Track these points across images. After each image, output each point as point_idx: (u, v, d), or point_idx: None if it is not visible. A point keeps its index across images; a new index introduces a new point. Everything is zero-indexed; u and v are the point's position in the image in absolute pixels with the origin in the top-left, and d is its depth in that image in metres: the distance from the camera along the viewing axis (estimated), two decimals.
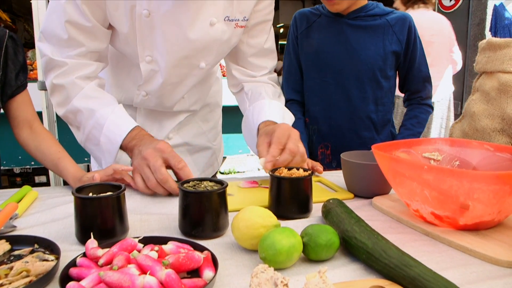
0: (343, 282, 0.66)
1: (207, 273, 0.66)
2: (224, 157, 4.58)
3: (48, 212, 1.00)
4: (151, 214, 0.99)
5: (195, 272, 0.68)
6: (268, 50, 1.42)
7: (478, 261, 0.77)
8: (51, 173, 2.89)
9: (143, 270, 0.63)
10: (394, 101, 1.76)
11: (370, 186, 1.10)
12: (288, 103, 1.65)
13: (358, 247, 0.73)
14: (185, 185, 0.87)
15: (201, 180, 0.91)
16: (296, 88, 1.68)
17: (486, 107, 1.36)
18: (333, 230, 0.76)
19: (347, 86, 1.58)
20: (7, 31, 1.28)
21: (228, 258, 0.77)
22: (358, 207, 1.04)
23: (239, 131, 1.44)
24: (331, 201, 0.90)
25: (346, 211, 0.83)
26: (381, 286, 0.65)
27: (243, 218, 0.78)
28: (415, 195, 0.88)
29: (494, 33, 5.62)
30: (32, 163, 4.50)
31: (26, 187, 1.15)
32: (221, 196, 0.85)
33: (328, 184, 1.24)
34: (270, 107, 1.31)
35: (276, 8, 10.38)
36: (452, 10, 6.68)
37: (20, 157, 4.45)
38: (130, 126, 1.16)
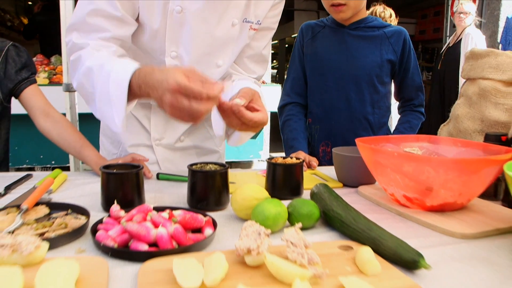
0: (317, 242, 0.81)
1: (208, 231, 0.82)
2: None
3: (76, 189, 1.18)
4: (163, 193, 1.16)
5: (198, 232, 0.84)
6: (263, 57, 1.52)
7: (438, 234, 0.91)
8: (71, 171, 3.05)
9: (156, 225, 0.79)
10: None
11: (357, 176, 1.25)
12: (292, 105, 1.82)
13: (334, 217, 0.88)
14: (193, 166, 1.03)
15: (207, 163, 1.06)
16: (300, 92, 1.84)
17: (468, 110, 1.50)
18: (314, 204, 0.91)
19: (346, 89, 1.74)
20: (11, 42, 1.55)
21: (227, 225, 0.93)
22: (345, 194, 1.19)
23: None
24: (318, 185, 1.05)
25: (329, 192, 0.98)
26: (348, 245, 0.80)
27: (240, 192, 0.93)
28: (390, 180, 1.03)
29: (505, 45, 5.71)
30: (53, 162, 4.72)
31: (57, 170, 1.32)
32: (223, 175, 1.01)
33: (322, 176, 1.39)
34: (253, 84, 1.34)
35: (291, 19, 10.55)
36: None
37: (41, 156, 4.67)
38: (137, 65, 1.04)
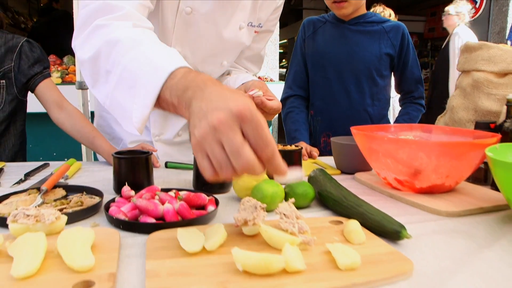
0: (310, 218, 0.89)
1: (210, 208, 0.90)
2: None
3: (90, 176, 1.26)
4: (171, 178, 1.24)
5: (201, 209, 0.91)
6: (261, 58, 1.58)
7: (425, 213, 0.98)
8: None
9: (163, 202, 0.87)
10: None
11: (353, 163, 1.32)
12: (294, 98, 1.91)
13: (327, 196, 0.96)
14: None
15: None
16: (302, 85, 1.92)
17: (463, 101, 1.56)
18: (309, 185, 0.99)
19: (346, 82, 1.82)
20: (25, 38, 1.65)
21: (229, 205, 1.01)
22: (342, 179, 1.27)
23: None
24: (315, 170, 1.13)
25: (324, 175, 1.05)
26: (339, 220, 0.87)
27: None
28: (382, 164, 1.10)
29: None
30: (66, 159, 4.84)
31: (72, 160, 1.41)
32: None
33: (322, 164, 1.47)
34: (254, 78, 1.37)
35: (300, 18, 10.58)
36: (473, 18, 6.80)
37: (54, 154, 4.79)
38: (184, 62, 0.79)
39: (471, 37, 5.01)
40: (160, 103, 0.77)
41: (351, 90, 1.83)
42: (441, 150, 1.00)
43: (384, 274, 0.63)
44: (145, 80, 0.77)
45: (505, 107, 1.25)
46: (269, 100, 1.12)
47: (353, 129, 1.17)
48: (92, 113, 3.15)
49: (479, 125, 1.27)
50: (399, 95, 2.04)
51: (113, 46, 0.86)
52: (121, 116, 0.85)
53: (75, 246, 0.65)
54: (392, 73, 1.94)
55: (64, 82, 4.45)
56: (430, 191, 1.08)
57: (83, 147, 3.22)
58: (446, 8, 4.98)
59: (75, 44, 0.97)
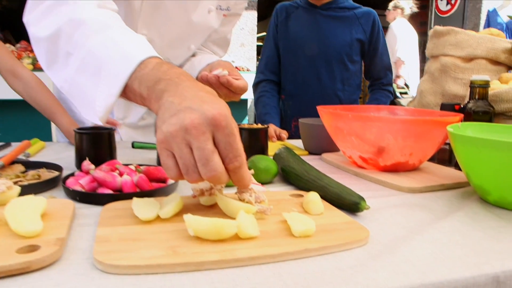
0: (271, 192, 0.88)
1: (170, 181, 0.89)
2: None
3: (54, 155, 1.24)
4: (136, 158, 1.22)
5: (162, 183, 0.90)
6: (227, 41, 1.54)
7: (388, 189, 0.99)
8: None
9: (122, 175, 0.85)
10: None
11: (320, 143, 1.32)
12: (266, 82, 1.90)
13: (290, 172, 0.95)
14: None
15: None
16: (274, 70, 1.92)
17: (431, 86, 1.58)
18: (272, 160, 0.98)
19: (318, 67, 1.82)
20: None
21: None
22: (309, 160, 1.26)
23: None
24: (281, 148, 1.12)
25: (288, 152, 1.05)
26: (299, 194, 0.87)
27: None
28: (347, 142, 1.11)
29: None
30: None
31: (35, 140, 1.38)
32: None
33: (290, 146, 1.47)
34: (219, 59, 1.33)
35: None
36: (448, 14, 6.90)
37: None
38: (154, 52, 0.75)
39: (406, 29, 5.23)
40: (126, 92, 0.73)
41: (322, 74, 1.83)
42: (404, 127, 1.00)
43: (338, 241, 0.63)
44: (112, 67, 0.73)
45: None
46: (235, 79, 1.10)
47: (320, 108, 1.17)
48: None
49: (445, 107, 1.28)
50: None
51: (77, 26, 0.80)
52: (81, 103, 0.81)
53: (24, 213, 0.63)
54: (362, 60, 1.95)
55: (35, 69, 4.37)
56: (394, 169, 1.09)
57: (54, 135, 3.17)
58: (390, 4, 5.28)
59: (29, 18, 0.88)
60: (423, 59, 7.68)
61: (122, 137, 1.52)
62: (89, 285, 0.50)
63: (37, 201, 0.67)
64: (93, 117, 0.77)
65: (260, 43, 1.83)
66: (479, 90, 1.15)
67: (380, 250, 0.63)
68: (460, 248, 0.65)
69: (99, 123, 0.77)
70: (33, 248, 0.56)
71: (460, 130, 0.98)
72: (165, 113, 0.62)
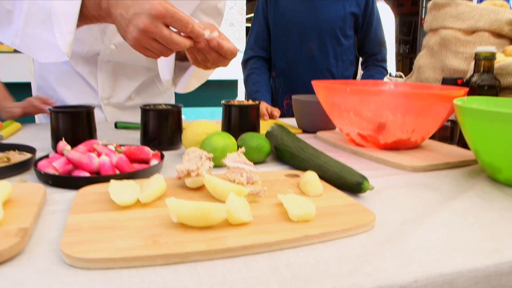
0: (264, 172, 0.81)
1: (154, 162, 0.81)
2: None
3: (30, 137, 1.15)
4: (119, 138, 1.14)
5: (145, 164, 0.82)
6: (219, 12, 1.44)
7: (389, 168, 0.92)
8: None
9: (100, 156, 0.77)
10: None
11: (315, 121, 1.25)
12: (255, 59, 1.81)
13: (284, 150, 0.88)
14: (146, 106, 1.01)
15: (160, 104, 1.04)
16: (264, 46, 1.83)
17: (430, 61, 1.50)
18: (264, 138, 0.90)
19: (309, 42, 1.73)
20: None
21: (177, 161, 0.92)
22: (304, 138, 1.18)
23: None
24: (273, 125, 1.05)
25: (282, 129, 0.97)
26: (296, 174, 0.80)
27: (190, 128, 0.92)
28: (344, 118, 1.03)
29: None
30: None
31: (10, 121, 1.28)
32: (176, 115, 1.00)
33: (283, 124, 1.39)
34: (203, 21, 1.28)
35: None
36: None
37: None
38: None
39: (384, 12, 5.11)
40: (81, 23, 0.86)
41: (314, 50, 1.75)
42: (406, 101, 0.93)
43: (342, 226, 0.55)
44: (61, 8, 0.83)
45: (472, 63, 1.19)
46: (223, 39, 1.01)
47: (315, 82, 1.09)
48: None
49: (446, 81, 1.21)
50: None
51: None
52: (38, 50, 0.90)
53: None
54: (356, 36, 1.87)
55: (16, 50, 4.23)
56: (395, 147, 1.02)
57: (36, 116, 3.07)
58: None
59: None
60: (401, 42, 7.60)
61: (108, 118, 1.43)
62: (52, 283, 0.43)
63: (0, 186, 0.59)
64: (55, 58, 0.88)
65: (249, 24, 1.75)
66: (484, 62, 1.08)
67: (388, 236, 0.56)
68: (475, 232, 0.58)
69: (65, 58, 0.87)
70: None
71: (466, 104, 0.91)
72: (121, 25, 0.81)
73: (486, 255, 0.51)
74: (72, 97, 1.38)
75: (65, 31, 0.84)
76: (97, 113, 1.30)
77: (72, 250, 0.46)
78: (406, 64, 7.75)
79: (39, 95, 1.30)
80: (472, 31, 1.41)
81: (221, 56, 0.95)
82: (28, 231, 0.51)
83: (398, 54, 7.70)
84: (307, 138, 1.20)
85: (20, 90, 1.37)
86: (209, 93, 4.41)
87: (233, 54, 0.96)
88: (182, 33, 0.84)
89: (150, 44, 0.82)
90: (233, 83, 4.79)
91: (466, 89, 1.00)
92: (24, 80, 3.48)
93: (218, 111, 4.61)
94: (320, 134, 1.20)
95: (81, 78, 1.38)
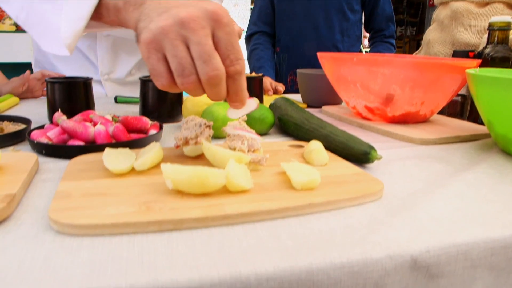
0: (267, 142, 0.77)
1: (152, 132, 0.77)
2: None
3: (27, 110, 1.12)
4: (117, 111, 1.10)
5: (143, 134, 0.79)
6: None
7: (397, 141, 0.88)
8: None
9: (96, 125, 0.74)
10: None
11: (321, 95, 1.21)
12: (259, 34, 1.76)
13: (288, 121, 0.84)
14: (146, 77, 0.97)
15: None
16: (267, 21, 1.78)
17: (440, 35, 1.45)
18: (267, 109, 0.87)
19: (315, 16, 1.68)
20: None
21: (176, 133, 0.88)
22: None
23: None
24: (277, 98, 1.01)
25: (287, 101, 0.94)
26: (300, 144, 0.76)
27: (190, 98, 0.89)
28: (351, 91, 0.99)
29: None
30: None
31: (8, 95, 1.25)
32: None
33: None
34: None
35: None
36: None
37: None
38: None
39: None
40: (98, 10, 0.61)
41: (320, 25, 1.70)
42: (415, 72, 0.89)
43: (348, 194, 0.52)
44: None
45: (485, 36, 1.15)
46: None
47: (320, 54, 1.05)
48: None
49: (457, 54, 1.17)
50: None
51: None
52: (41, 32, 0.70)
53: None
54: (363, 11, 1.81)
55: (18, 30, 4.19)
56: (403, 121, 0.98)
57: None
58: None
59: None
60: (408, 23, 7.45)
61: (108, 93, 1.39)
62: (38, 249, 0.40)
63: None
64: (56, 48, 0.66)
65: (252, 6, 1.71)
66: (498, 33, 1.03)
67: (397, 205, 0.53)
68: (490, 203, 0.55)
69: (65, 53, 0.65)
70: None
71: (481, 73, 0.87)
72: (151, 14, 0.51)
73: (503, 226, 0.48)
74: (71, 72, 1.35)
75: (74, 15, 0.63)
76: (97, 89, 1.29)
77: (59, 216, 0.43)
78: (413, 46, 7.66)
79: (40, 71, 1.27)
80: (485, 3, 1.36)
81: None
82: (15, 198, 0.48)
83: (405, 36, 7.60)
84: (312, 113, 1.16)
85: (21, 70, 1.34)
86: None
87: (238, 35, 0.92)
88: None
89: (175, 47, 0.49)
90: None
91: (479, 61, 0.96)
92: (25, 60, 3.45)
93: None
94: (326, 108, 1.16)
95: (81, 53, 1.35)
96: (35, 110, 1.12)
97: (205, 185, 0.48)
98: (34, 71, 1.39)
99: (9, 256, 0.38)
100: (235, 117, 0.61)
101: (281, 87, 1.44)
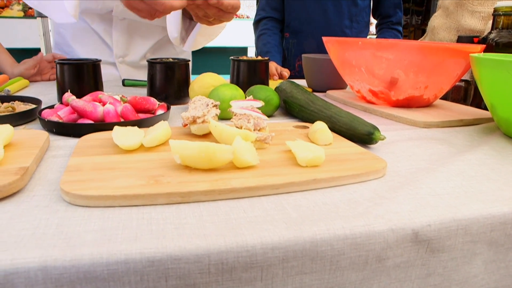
0: (272, 123, 0.78)
1: (159, 112, 0.79)
2: None
3: (37, 92, 1.14)
4: (127, 94, 1.11)
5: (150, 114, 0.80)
6: None
7: (401, 124, 0.89)
8: None
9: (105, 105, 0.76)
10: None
11: (326, 79, 1.21)
12: (267, 20, 1.77)
13: (293, 103, 0.86)
14: (153, 60, 0.99)
15: (168, 58, 1.02)
16: (275, 6, 1.78)
17: (445, 21, 1.45)
18: (273, 90, 0.88)
19: (324, 1, 1.68)
20: None
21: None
22: None
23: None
24: (283, 81, 1.02)
25: (292, 84, 0.95)
26: (305, 125, 0.77)
27: (197, 80, 0.90)
28: (355, 74, 1.00)
29: None
30: None
31: (19, 78, 1.27)
32: (183, 68, 0.97)
33: None
34: None
35: None
36: None
37: None
38: None
39: None
40: None
41: (329, 10, 1.70)
42: (420, 56, 0.89)
43: (352, 171, 0.53)
44: None
45: (489, 23, 1.15)
46: None
47: (326, 38, 1.06)
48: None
49: (462, 39, 1.17)
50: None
51: None
52: (52, 10, 0.96)
53: None
54: None
55: (26, 15, 4.20)
56: (407, 105, 0.99)
57: None
58: None
59: None
60: (413, 12, 7.39)
61: (122, 75, 1.41)
62: (51, 218, 0.41)
63: (1, 129, 0.58)
64: (65, 19, 0.93)
65: None
66: (503, 18, 1.03)
67: (400, 182, 0.54)
68: (491, 181, 0.56)
69: (72, 20, 0.93)
70: None
71: (484, 56, 0.88)
72: None
73: (502, 203, 0.49)
74: (88, 54, 1.38)
75: None
76: (112, 71, 1.31)
77: (71, 188, 0.45)
78: (418, 34, 7.61)
79: (51, 54, 1.30)
80: None
81: (222, 11, 0.92)
82: (28, 170, 0.50)
83: (410, 25, 7.55)
84: None
85: (29, 55, 1.37)
86: (218, 61, 4.37)
87: (234, 8, 0.93)
88: None
89: (138, 5, 0.81)
90: (242, 51, 4.74)
91: (483, 46, 0.96)
92: (33, 46, 3.46)
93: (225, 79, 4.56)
94: (330, 92, 1.17)
95: (97, 36, 1.38)
96: (45, 92, 1.14)
97: (213, 160, 0.50)
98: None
99: (24, 223, 0.40)
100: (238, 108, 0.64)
101: (286, 72, 1.45)
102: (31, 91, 1.17)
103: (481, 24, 1.36)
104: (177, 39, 1.19)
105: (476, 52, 0.91)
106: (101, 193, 0.44)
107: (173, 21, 1.16)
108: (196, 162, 0.50)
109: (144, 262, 0.36)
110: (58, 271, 0.34)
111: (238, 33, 4.40)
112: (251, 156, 0.52)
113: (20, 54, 1.41)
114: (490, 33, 1.06)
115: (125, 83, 1.27)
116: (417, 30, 7.73)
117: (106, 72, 1.29)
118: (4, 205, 0.44)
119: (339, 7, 1.70)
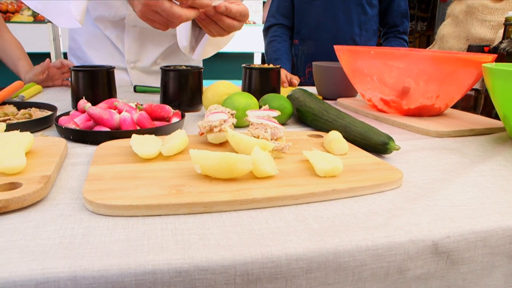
0: (287, 132, 0.79)
1: (174, 119, 0.80)
2: None
3: (51, 98, 1.15)
4: (138, 100, 1.12)
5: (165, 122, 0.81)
6: None
7: (412, 133, 0.89)
8: None
9: (121, 112, 0.76)
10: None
11: (336, 88, 1.22)
12: (277, 27, 1.78)
13: (306, 112, 0.86)
14: (167, 67, 0.99)
15: (181, 65, 1.03)
16: (286, 13, 1.80)
17: (454, 30, 1.46)
18: (286, 99, 0.88)
19: (334, 9, 1.69)
20: None
21: (197, 122, 0.90)
22: None
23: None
24: (295, 89, 1.03)
25: (305, 93, 0.95)
26: (319, 134, 0.78)
27: (211, 88, 0.91)
28: (367, 83, 1.00)
29: None
30: None
31: (32, 83, 1.28)
32: (196, 76, 0.98)
33: None
34: None
35: None
36: None
37: None
38: None
39: None
40: None
41: (338, 17, 1.71)
42: (431, 65, 0.90)
43: (370, 182, 0.54)
44: None
45: (500, 31, 1.15)
46: (232, 3, 0.98)
47: (337, 47, 1.07)
48: (65, 54, 3.02)
49: (472, 49, 1.18)
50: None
51: None
52: (57, 15, 0.97)
53: (5, 147, 0.54)
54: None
55: (36, 20, 4.22)
56: (418, 113, 0.99)
57: None
58: None
59: None
60: (418, 18, 7.39)
61: (133, 81, 1.43)
62: (76, 227, 0.42)
63: (22, 137, 0.59)
64: (71, 24, 0.94)
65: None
66: None
67: (417, 193, 0.54)
68: (506, 192, 0.56)
69: (78, 25, 0.94)
70: (13, 186, 0.48)
71: (497, 66, 0.88)
72: None
73: None
74: (100, 59, 1.40)
75: None
76: (123, 76, 1.33)
77: (94, 197, 0.45)
78: (423, 41, 7.61)
79: (59, 60, 1.32)
80: None
81: (231, 18, 0.93)
82: (50, 179, 0.51)
83: (415, 31, 7.55)
84: None
85: (39, 60, 1.40)
86: (226, 66, 4.38)
87: (243, 16, 0.94)
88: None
89: (154, 17, 0.86)
90: (248, 56, 4.75)
91: (494, 56, 0.97)
92: (44, 51, 3.48)
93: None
94: (341, 100, 1.18)
95: (109, 42, 1.40)
96: (58, 98, 1.15)
97: (233, 170, 0.50)
98: (68, 59, 1.46)
99: (50, 233, 0.41)
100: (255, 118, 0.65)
101: (296, 79, 1.46)
102: (44, 97, 1.18)
103: (491, 33, 1.36)
104: (186, 48, 1.20)
105: (487, 61, 0.91)
106: (125, 202, 0.44)
107: (183, 30, 1.17)
108: (216, 172, 0.51)
109: (171, 273, 0.36)
110: (88, 281, 0.35)
111: (245, 38, 4.40)
112: (270, 166, 0.52)
113: (30, 58, 1.43)
114: (501, 42, 1.07)
115: (136, 89, 1.28)
116: (422, 36, 7.72)
117: (117, 77, 1.29)
118: (29, 213, 0.44)
119: (349, 15, 1.71)
